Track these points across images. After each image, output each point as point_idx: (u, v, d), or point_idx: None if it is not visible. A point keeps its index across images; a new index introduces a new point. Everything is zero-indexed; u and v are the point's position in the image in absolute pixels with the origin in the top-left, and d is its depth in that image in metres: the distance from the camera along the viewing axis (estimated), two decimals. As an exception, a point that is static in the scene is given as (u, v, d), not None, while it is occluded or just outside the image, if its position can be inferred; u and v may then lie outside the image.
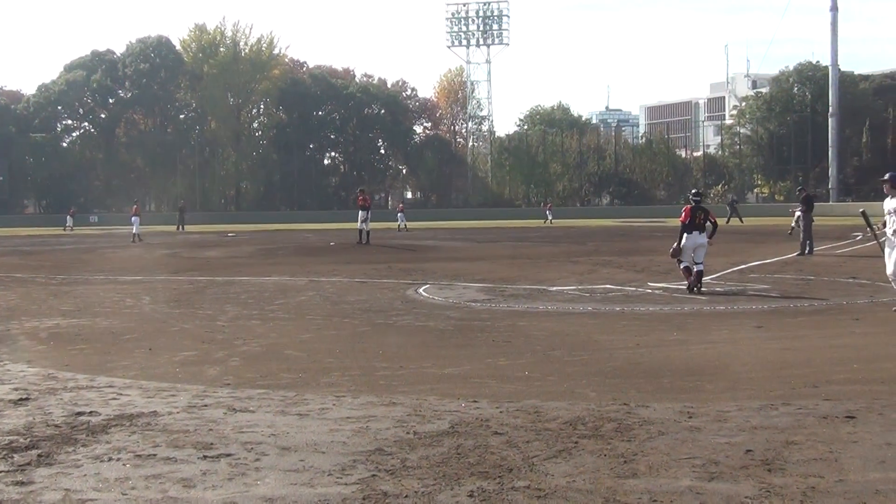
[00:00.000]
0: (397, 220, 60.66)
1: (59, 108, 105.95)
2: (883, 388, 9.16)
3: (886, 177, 16.18)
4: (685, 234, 18.97)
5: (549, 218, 74.81)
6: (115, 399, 9.00)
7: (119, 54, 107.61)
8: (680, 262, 19.16)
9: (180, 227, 65.30)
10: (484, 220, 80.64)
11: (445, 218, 75.65)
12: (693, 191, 21.30)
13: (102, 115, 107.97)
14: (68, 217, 73.57)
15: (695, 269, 18.83)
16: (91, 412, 8.38)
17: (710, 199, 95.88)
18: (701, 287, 18.70)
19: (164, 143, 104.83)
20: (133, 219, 53.13)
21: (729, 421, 7.75)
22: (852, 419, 7.75)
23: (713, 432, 7.37)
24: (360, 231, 40.26)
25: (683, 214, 19.38)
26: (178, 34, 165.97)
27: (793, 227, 35.33)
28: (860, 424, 7.58)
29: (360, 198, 41.68)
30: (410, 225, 62.06)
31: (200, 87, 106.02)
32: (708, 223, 19.45)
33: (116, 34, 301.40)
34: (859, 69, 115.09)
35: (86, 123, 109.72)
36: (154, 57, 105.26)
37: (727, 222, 58.48)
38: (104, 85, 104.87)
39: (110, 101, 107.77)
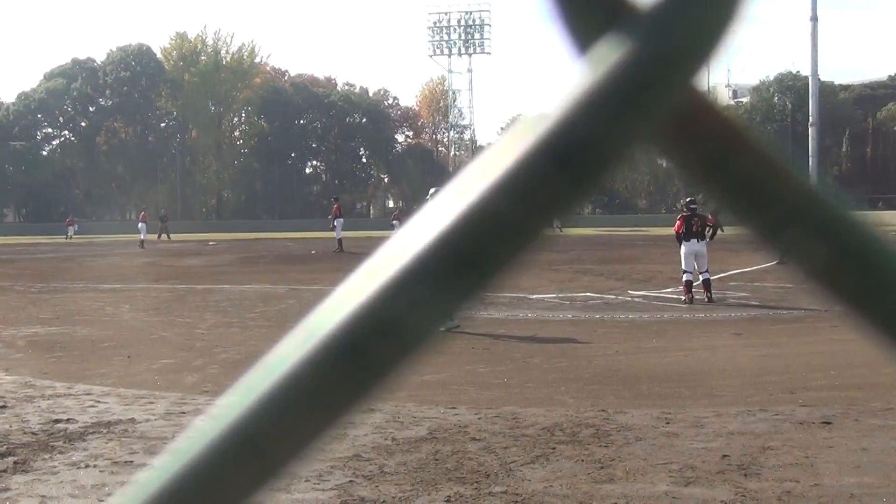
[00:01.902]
0: (394, 229, 60.78)
1: (39, 116, 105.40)
2: (859, 394, 9.21)
3: None
4: (683, 242, 18.91)
5: (559, 226, 74.33)
6: (92, 406, 8.97)
7: (99, 62, 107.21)
8: (684, 273, 18.93)
9: (162, 235, 65.12)
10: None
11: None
12: (688, 199, 21.21)
13: (83, 124, 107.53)
14: (69, 227, 73.19)
15: (701, 278, 18.75)
16: (68, 419, 8.36)
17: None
18: (711, 295, 18.62)
19: (145, 152, 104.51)
20: (140, 225, 54.65)
21: (706, 427, 7.78)
22: (829, 425, 7.80)
23: (690, 438, 7.40)
24: (340, 240, 40.30)
25: (677, 224, 19.38)
26: (158, 42, 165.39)
27: None
28: (836, 430, 7.63)
29: (337, 206, 41.75)
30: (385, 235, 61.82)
31: (181, 96, 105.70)
32: (707, 228, 19.34)
33: (97, 42, 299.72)
34: (839, 79, 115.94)
35: (66, 131, 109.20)
36: (135, 65, 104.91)
37: (722, 231, 58.53)
38: (84, 93, 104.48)
39: (91, 109, 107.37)
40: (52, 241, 67.43)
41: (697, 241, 18.95)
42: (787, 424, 7.85)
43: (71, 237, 70.83)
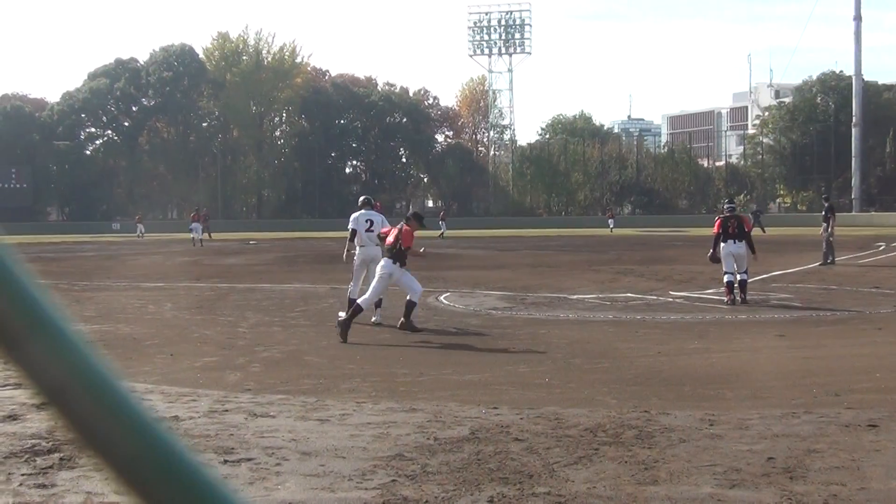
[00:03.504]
0: (439, 228, 61.28)
1: (83, 115, 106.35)
2: (906, 397, 9.11)
3: None
4: (721, 244, 18.84)
5: (611, 226, 73.79)
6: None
7: (142, 62, 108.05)
8: (725, 274, 18.83)
9: (204, 234, 65.59)
10: (505, 228, 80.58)
11: (466, 227, 75.70)
12: (726, 200, 21.07)
13: (126, 123, 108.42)
14: (138, 225, 73.56)
15: (738, 279, 18.67)
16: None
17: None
18: (745, 296, 18.52)
19: (187, 151, 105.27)
20: (193, 225, 55.52)
21: (750, 429, 7.72)
22: (875, 428, 7.71)
23: (734, 440, 7.34)
24: None
25: (715, 225, 19.31)
26: (200, 42, 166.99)
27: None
28: (882, 433, 7.54)
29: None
30: (432, 234, 62.12)
31: (223, 96, 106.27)
32: (750, 226, 19.33)
33: (140, 42, 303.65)
34: (883, 79, 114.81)
35: (109, 131, 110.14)
36: (177, 65, 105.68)
37: (749, 230, 58.13)
38: (127, 93, 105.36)
39: (133, 108, 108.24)
40: (118, 238, 68.07)
41: (735, 242, 18.83)
42: (832, 427, 7.77)
43: (142, 235, 70.92)
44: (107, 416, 0.74)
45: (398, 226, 15.46)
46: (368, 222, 16.53)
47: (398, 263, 14.94)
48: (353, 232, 16.56)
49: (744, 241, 18.93)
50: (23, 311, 0.71)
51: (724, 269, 18.78)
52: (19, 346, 0.72)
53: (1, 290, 0.71)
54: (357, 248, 16.64)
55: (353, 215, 16.79)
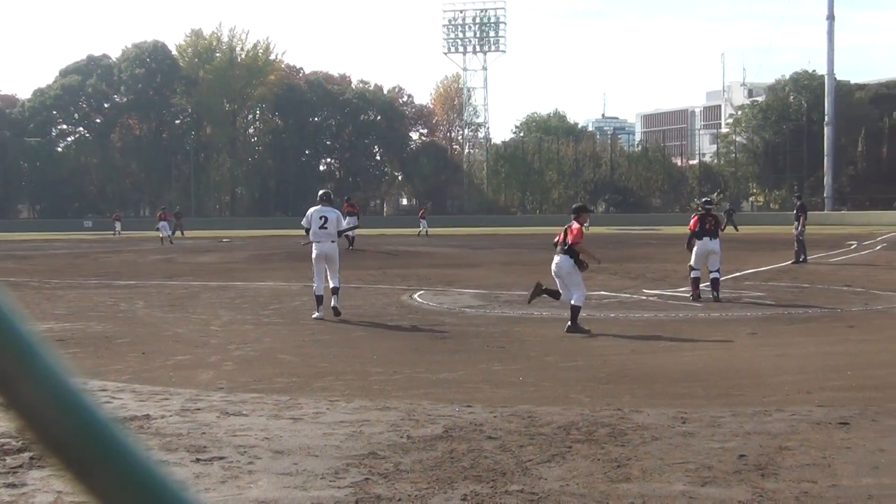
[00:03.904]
0: (419, 227, 61.36)
1: (55, 112, 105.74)
2: (876, 394, 9.17)
3: None
4: (696, 240, 18.97)
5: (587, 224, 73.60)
6: (107, 403, 8.97)
7: (115, 59, 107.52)
8: (692, 269, 18.99)
9: (176, 232, 65.25)
10: (479, 226, 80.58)
11: (441, 225, 75.65)
12: (704, 199, 21.17)
13: (98, 120, 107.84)
14: (115, 223, 73.00)
15: (710, 277, 18.79)
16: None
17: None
18: (718, 294, 18.62)
19: (159, 149, 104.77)
20: (161, 224, 54.87)
21: (722, 426, 7.76)
22: (846, 425, 7.76)
23: (707, 437, 7.37)
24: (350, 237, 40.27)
25: (692, 222, 19.45)
26: (174, 39, 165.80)
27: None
28: (853, 430, 7.59)
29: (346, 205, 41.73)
30: (407, 231, 62.17)
31: (196, 93, 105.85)
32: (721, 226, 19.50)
33: (112, 39, 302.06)
34: (855, 78, 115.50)
35: (81, 128, 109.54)
36: (150, 62, 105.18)
37: (722, 230, 58.44)
38: (99, 90, 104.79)
39: (105, 105, 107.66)
40: (91, 236, 67.63)
41: (710, 239, 18.98)
42: (803, 425, 7.81)
43: (118, 233, 70.49)
44: (62, 418, 0.73)
45: (569, 223, 15.20)
46: (322, 219, 16.56)
47: (574, 260, 14.80)
48: (308, 230, 16.69)
49: (718, 239, 19.10)
50: None
51: (691, 264, 18.92)
52: None
53: None
54: (312, 243, 16.65)
55: (309, 211, 16.83)
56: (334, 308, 16.07)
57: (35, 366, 0.72)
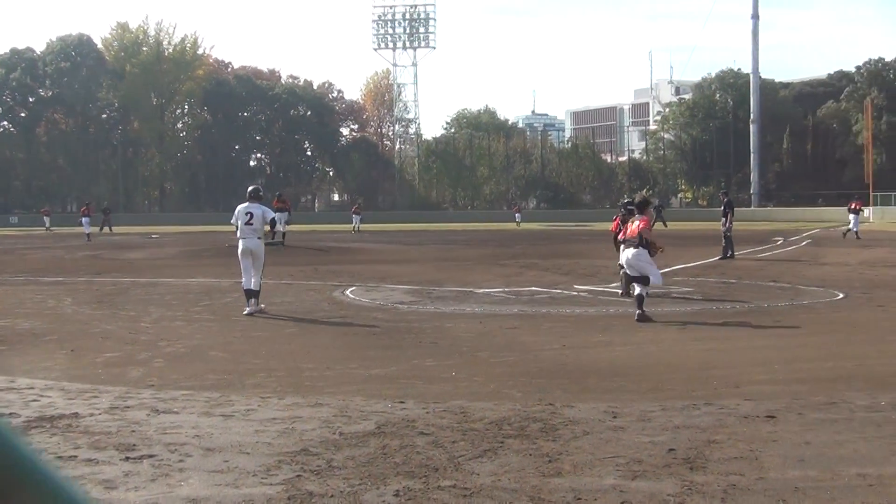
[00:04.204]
0: (352, 222, 61.35)
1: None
2: (802, 388, 9.33)
3: None
4: (622, 248, 19.00)
5: (518, 220, 73.72)
6: (35, 401, 8.83)
7: (39, 52, 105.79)
8: (622, 267, 19.08)
9: (104, 228, 64.37)
10: (411, 222, 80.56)
11: (373, 221, 75.52)
12: (626, 199, 21.21)
13: (22, 114, 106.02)
14: (45, 218, 71.61)
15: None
16: (11, 414, 8.23)
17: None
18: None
19: (86, 143, 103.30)
20: (83, 219, 54.51)
21: (652, 420, 7.84)
22: (773, 419, 7.88)
23: (637, 432, 7.45)
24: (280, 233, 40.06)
25: (613, 224, 19.60)
26: (99, 33, 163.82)
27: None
28: (780, 424, 7.71)
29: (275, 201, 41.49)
30: (338, 228, 61.98)
31: (123, 87, 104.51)
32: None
33: (36, 32, 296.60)
34: (780, 77, 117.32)
35: (5, 122, 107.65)
36: (75, 55, 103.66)
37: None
38: (24, 83, 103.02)
39: (30, 99, 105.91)
40: (19, 232, 66.44)
41: (634, 247, 19.02)
42: (731, 418, 7.93)
43: (49, 228, 69.27)
44: None
45: (634, 217, 16.41)
46: (248, 215, 16.81)
47: (647, 251, 15.72)
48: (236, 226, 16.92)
49: (640, 248, 19.19)
50: None
51: (620, 262, 19.04)
52: None
53: None
54: (238, 239, 16.81)
55: (238, 207, 16.98)
56: (249, 314, 16.13)
57: None
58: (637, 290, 15.46)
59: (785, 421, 7.82)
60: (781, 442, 7.12)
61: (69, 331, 14.37)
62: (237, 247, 16.90)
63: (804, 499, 5.78)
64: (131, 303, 18.46)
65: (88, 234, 52.32)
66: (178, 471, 6.39)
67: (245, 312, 16.12)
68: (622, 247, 17.03)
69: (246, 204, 16.98)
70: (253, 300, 16.35)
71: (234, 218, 16.96)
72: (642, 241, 15.74)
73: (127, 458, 6.69)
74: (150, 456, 6.77)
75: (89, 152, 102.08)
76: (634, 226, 16.13)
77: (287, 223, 39.95)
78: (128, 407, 8.55)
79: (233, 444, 7.13)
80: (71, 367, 11.04)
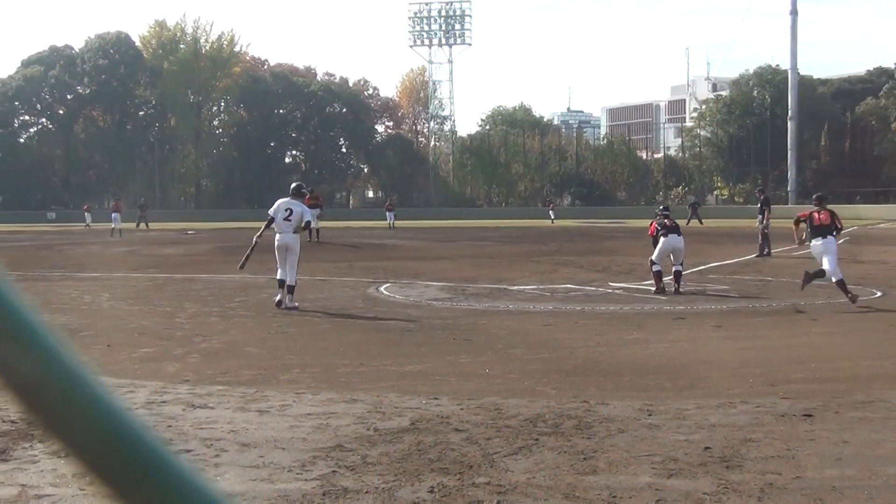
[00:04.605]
0: (387, 219, 61.44)
1: (17, 103, 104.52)
2: (840, 386, 9.25)
3: None
4: (662, 238, 18.94)
5: (552, 217, 73.53)
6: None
7: (77, 50, 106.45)
8: (653, 264, 19.08)
9: (141, 224, 64.75)
10: (445, 219, 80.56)
11: (407, 217, 75.58)
12: (661, 207, 21.07)
13: (60, 111, 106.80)
14: (86, 214, 71.57)
15: (673, 269, 18.92)
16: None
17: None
18: (680, 287, 18.74)
19: (123, 140, 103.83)
20: (113, 215, 54.47)
21: (688, 419, 7.80)
22: (810, 417, 7.82)
23: (672, 430, 7.41)
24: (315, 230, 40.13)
25: (651, 228, 19.55)
26: (137, 30, 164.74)
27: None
28: (817, 422, 7.65)
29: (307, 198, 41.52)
30: (372, 224, 62.11)
31: (160, 84, 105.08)
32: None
33: (75, 29, 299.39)
34: (818, 73, 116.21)
35: (43, 119, 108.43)
36: (113, 53, 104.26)
37: (687, 223, 58.91)
38: (62, 80, 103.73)
39: (68, 97, 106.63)
40: (55, 228, 66.96)
41: (677, 234, 19.04)
42: (768, 417, 7.87)
43: (89, 225, 69.21)
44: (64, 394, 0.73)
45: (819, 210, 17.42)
46: (288, 211, 16.95)
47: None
48: (271, 219, 17.04)
49: (682, 236, 19.19)
50: None
51: (653, 259, 18.97)
52: None
53: None
54: (276, 234, 17.00)
55: (277, 202, 17.06)
56: (279, 302, 16.44)
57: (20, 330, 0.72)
58: (836, 277, 16.48)
59: (822, 420, 7.76)
60: (819, 441, 7.06)
61: (105, 326, 14.48)
62: (272, 241, 17.06)
63: (841, 498, 5.73)
64: (167, 298, 18.58)
65: (120, 230, 52.45)
66: (214, 466, 6.42)
67: (276, 300, 16.29)
68: (809, 236, 17.61)
69: (287, 199, 17.14)
70: (288, 296, 16.45)
71: (272, 210, 17.07)
72: (834, 229, 16.96)
73: (163, 453, 6.72)
74: (187, 451, 6.80)
75: (126, 149, 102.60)
76: (823, 216, 17.14)
77: (318, 218, 40.03)
78: (164, 402, 8.60)
79: (268, 439, 7.16)
80: (107, 363, 11.11)
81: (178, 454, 0.75)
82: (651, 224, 19.80)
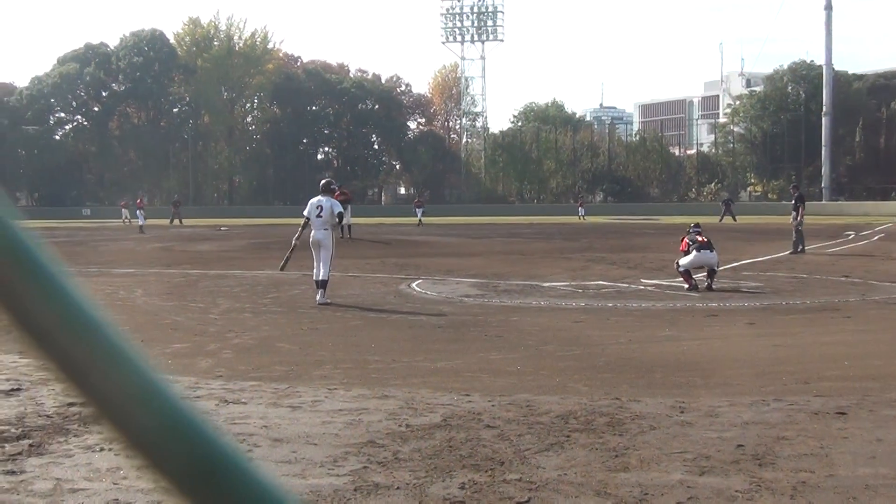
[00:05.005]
0: (416, 215, 61.59)
1: (52, 100, 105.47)
2: (873, 384, 9.19)
3: None
4: (695, 252, 18.80)
5: (582, 214, 73.50)
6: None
7: (112, 47, 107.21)
8: (679, 266, 19.02)
9: (174, 220, 65.13)
10: (477, 216, 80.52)
11: (439, 214, 75.64)
12: (693, 224, 20.71)
13: (95, 109, 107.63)
14: (123, 210, 71.57)
15: (707, 268, 18.88)
16: (83, 403, 8.36)
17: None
18: (713, 283, 18.67)
19: (158, 137, 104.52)
20: (137, 212, 56.03)
21: (720, 416, 7.77)
22: (843, 415, 7.77)
23: (704, 427, 7.38)
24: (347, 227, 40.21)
25: (682, 244, 19.39)
26: (171, 28, 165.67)
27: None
28: (851, 421, 7.60)
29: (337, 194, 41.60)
30: (405, 220, 62.19)
31: (194, 81, 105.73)
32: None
33: (110, 27, 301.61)
34: (853, 68, 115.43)
35: (79, 116, 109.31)
36: (148, 50, 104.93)
37: (720, 220, 58.65)
38: (97, 78, 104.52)
39: (103, 94, 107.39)
40: (90, 224, 67.48)
41: (710, 251, 18.88)
42: (801, 415, 7.83)
43: (128, 221, 68.52)
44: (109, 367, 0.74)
45: None
46: (318, 208, 17.15)
47: None
48: (307, 220, 17.30)
49: (714, 252, 19.02)
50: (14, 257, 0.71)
51: (682, 264, 18.85)
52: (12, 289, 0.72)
53: None
54: (311, 231, 17.31)
55: (310, 201, 17.48)
56: (320, 303, 16.60)
57: (44, 280, 0.73)
58: None
59: (856, 418, 7.71)
60: (852, 439, 7.02)
61: (139, 322, 14.58)
62: (309, 238, 17.26)
63: (875, 497, 5.70)
64: (200, 294, 18.69)
65: (138, 226, 53.00)
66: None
67: (317, 301, 16.44)
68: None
69: (318, 197, 17.28)
70: (320, 291, 16.59)
71: (306, 211, 17.28)
72: None
73: (196, 448, 6.77)
74: (219, 446, 6.84)
75: (160, 146, 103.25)
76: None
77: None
78: (197, 397, 8.66)
79: (300, 434, 7.19)
80: (141, 358, 11.18)
81: (247, 454, 0.75)
82: (682, 240, 19.62)
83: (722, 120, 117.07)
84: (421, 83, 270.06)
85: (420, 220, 60.50)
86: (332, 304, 16.43)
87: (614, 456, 6.56)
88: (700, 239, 19.00)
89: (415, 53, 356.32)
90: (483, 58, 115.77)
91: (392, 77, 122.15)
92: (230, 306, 16.60)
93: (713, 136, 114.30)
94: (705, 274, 18.88)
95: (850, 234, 40.50)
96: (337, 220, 17.43)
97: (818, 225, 44.50)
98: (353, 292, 18.64)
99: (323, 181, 18.12)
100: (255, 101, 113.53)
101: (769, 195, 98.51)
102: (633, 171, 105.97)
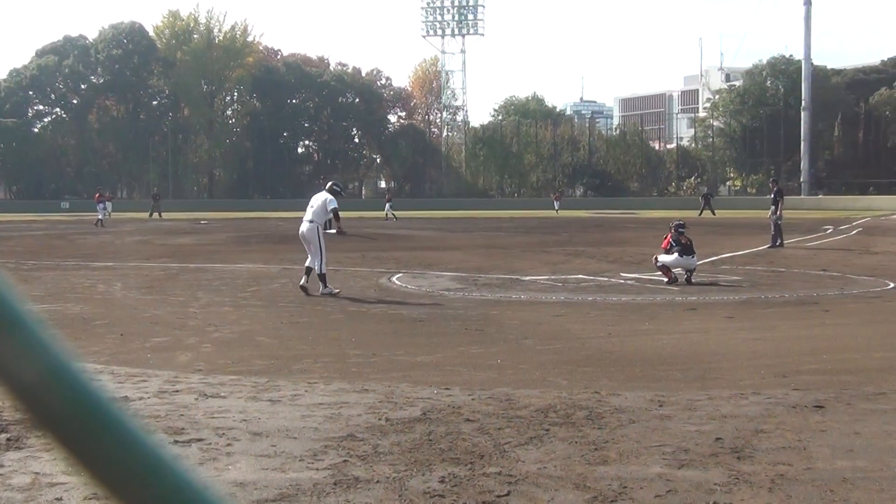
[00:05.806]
0: (384, 210, 61.30)
1: (31, 93, 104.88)
2: (851, 378, 9.24)
3: None
4: (675, 253, 18.83)
5: (557, 208, 73.56)
6: (85, 384, 8.93)
7: (91, 40, 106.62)
8: (657, 261, 19.09)
9: (154, 214, 64.82)
10: (457, 210, 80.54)
11: (419, 207, 75.58)
12: (677, 222, 20.65)
13: (74, 101, 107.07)
14: (105, 203, 70.02)
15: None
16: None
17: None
18: (692, 278, 18.72)
19: (137, 130, 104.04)
20: (99, 205, 55.12)
21: (699, 410, 7.80)
22: (821, 409, 7.82)
23: (683, 421, 7.42)
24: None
25: (665, 241, 19.39)
26: (151, 20, 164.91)
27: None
28: (829, 414, 7.65)
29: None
30: (378, 215, 62.09)
31: (173, 74, 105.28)
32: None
33: (89, 20, 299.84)
34: (832, 64, 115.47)
35: (57, 109, 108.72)
36: (127, 43, 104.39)
37: (700, 214, 58.84)
38: (76, 70, 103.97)
39: (82, 86, 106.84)
40: (69, 217, 67.14)
41: (691, 256, 18.91)
42: (779, 408, 7.87)
43: (109, 214, 67.60)
44: (55, 390, 0.74)
45: None
46: (311, 205, 17.96)
47: None
48: (333, 210, 17.93)
49: (694, 256, 19.04)
50: None
51: (662, 261, 18.90)
52: None
53: None
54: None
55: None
56: (302, 287, 16.94)
57: (25, 336, 0.72)
58: None
59: (834, 411, 7.75)
60: (830, 432, 7.06)
61: (118, 315, 14.53)
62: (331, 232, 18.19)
63: (853, 490, 5.73)
64: (180, 288, 18.64)
65: (100, 220, 52.51)
66: (226, 455, 6.46)
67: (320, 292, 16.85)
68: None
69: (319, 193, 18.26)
70: (321, 284, 16.94)
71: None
72: None
73: (175, 442, 6.77)
74: (199, 440, 6.84)
75: (140, 139, 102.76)
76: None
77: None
78: (176, 391, 8.64)
79: (280, 428, 7.19)
80: (120, 352, 11.17)
81: (167, 444, 0.75)
82: (665, 238, 19.58)
83: (702, 114, 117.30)
84: (401, 77, 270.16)
85: (388, 214, 60.01)
86: (313, 298, 16.41)
87: (594, 449, 6.58)
88: (683, 241, 19.00)
89: (395, 47, 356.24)
90: (463, 52, 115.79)
91: (372, 70, 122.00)
92: (210, 300, 16.56)
93: (693, 130, 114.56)
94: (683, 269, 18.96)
95: (828, 229, 40.71)
96: (331, 215, 17.70)
97: (797, 219, 44.71)
98: (333, 286, 18.62)
99: (328, 183, 19.16)
100: (235, 94, 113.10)
101: (748, 189, 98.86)
102: (614, 165, 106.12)
